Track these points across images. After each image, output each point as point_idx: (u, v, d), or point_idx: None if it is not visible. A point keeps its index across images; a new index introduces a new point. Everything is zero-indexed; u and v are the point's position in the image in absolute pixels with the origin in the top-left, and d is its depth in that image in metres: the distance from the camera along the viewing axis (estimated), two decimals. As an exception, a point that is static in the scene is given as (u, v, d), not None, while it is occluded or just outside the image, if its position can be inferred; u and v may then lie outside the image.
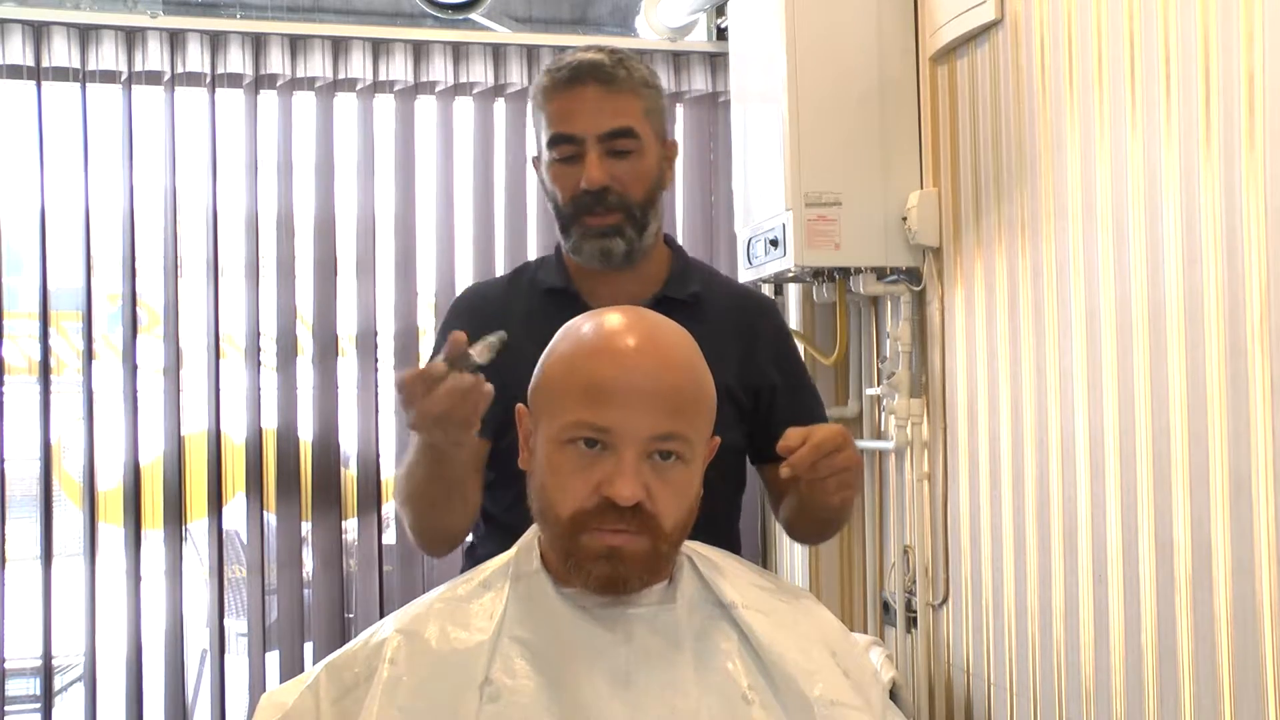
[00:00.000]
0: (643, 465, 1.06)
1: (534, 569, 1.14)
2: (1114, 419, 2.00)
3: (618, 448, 1.06)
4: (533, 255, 3.25)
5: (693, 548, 1.19)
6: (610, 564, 1.07)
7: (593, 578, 1.07)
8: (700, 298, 1.60)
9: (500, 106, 3.26)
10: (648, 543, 1.07)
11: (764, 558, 3.30)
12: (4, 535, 2.90)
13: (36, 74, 2.95)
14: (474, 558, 1.61)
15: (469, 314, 1.61)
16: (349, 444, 3.17)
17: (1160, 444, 1.89)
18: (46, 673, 2.98)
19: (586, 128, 1.52)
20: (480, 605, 1.13)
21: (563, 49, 3.21)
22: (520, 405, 1.17)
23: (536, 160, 1.63)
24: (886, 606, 2.86)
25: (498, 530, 1.57)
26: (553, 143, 1.54)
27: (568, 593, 1.11)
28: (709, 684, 1.09)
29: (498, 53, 3.20)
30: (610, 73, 1.54)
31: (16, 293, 3.17)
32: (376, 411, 3.14)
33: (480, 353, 1.19)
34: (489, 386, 1.21)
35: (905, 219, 2.58)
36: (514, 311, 1.57)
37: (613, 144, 1.53)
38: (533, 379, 1.15)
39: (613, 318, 1.12)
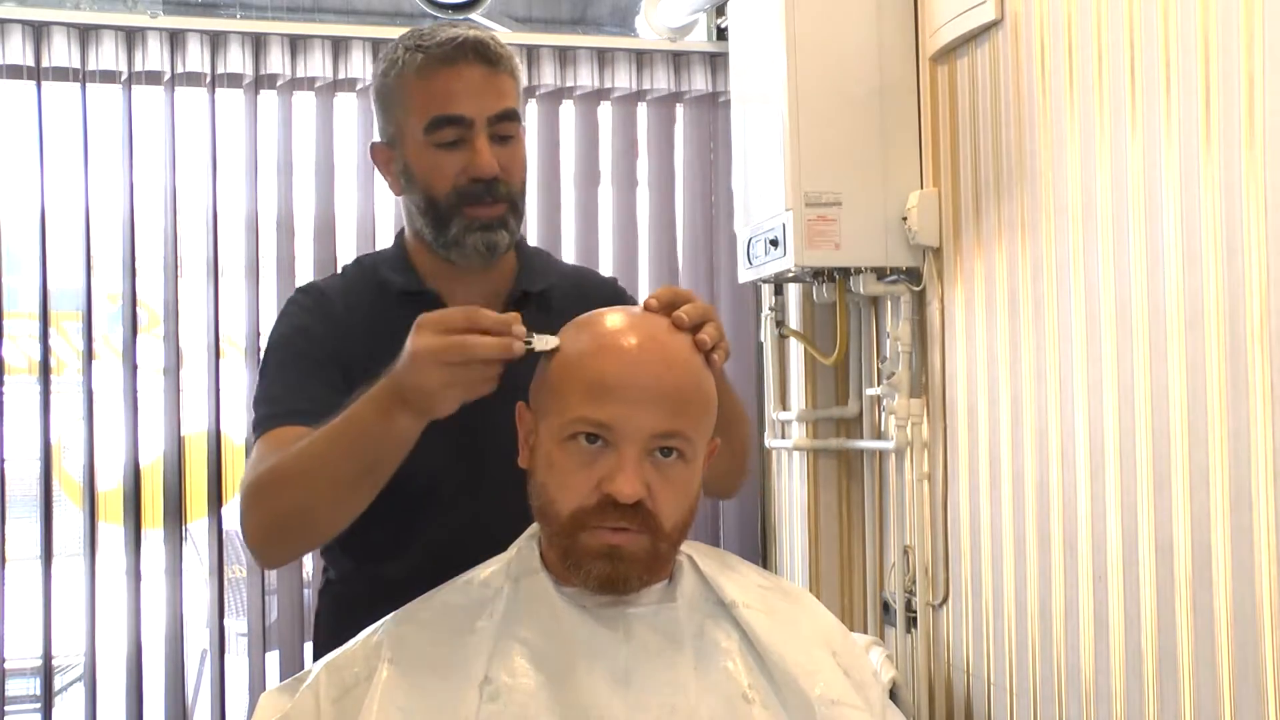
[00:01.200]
0: (644, 463, 1.06)
1: (534, 568, 1.14)
2: (1114, 419, 2.00)
3: (619, 445, 1.06)
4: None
5: (693, 547, 1.19)
6: (610, 563, 1.07)
7: (592, 576, 1.07)
8: (551, 288, 1.51)
9: (500, 106, 3.26)
10: (648, 541, 1.07)
11: (764, 558, 3.30)
12: (4, 535, 2.90)
13: (36, 74, 2.95)
14: (333, 594, 1.51)
15: (313, 312, 1.47)
16: (349, 444, 3.16)
17: (1160, 444, 1.89)
18: (46, 673, 2.98)
19: (476, 109, 1.38)
20: (479, 604, 1.13)
21: (562, 49, 3.25)
22: (521, 404, 1.17)
23: (382, 147, 1.47)
24: (886, 606, 2.86)
25: (369, 557, 1.42)
26: (434, 125, 1.39)
27: (568, 592, 1.11)
28: (709, 683, 1.09)
29: (498, 53, 3.20)
30: (495, 52, 1.41)
31: (16, 293, 3.17)
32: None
33: (541, 343, 1.13)
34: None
35: (905, 219, 2.58)
36: (362, 314, 1.45)
37: (499, 128, 1.40)
38: (534, 377, 1.16)
39: (614, 318, 1.13)
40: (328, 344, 1.42)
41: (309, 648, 3.08)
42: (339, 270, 1.66)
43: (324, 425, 1.23)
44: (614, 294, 1.60)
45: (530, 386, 1.16)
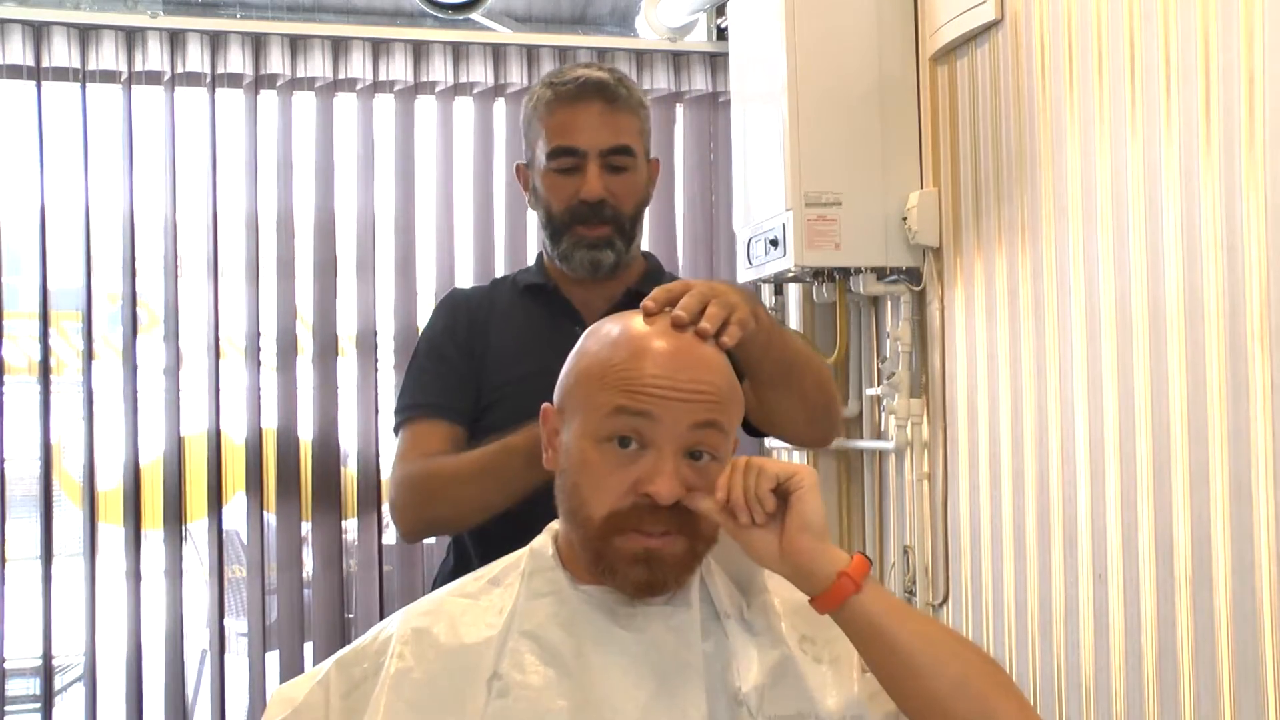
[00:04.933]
0: (680, 463, 1.06)
1: (548, 566, 1.13)
2: (1114, 419, 2.00)
3: (657, 445, 1.05)
4: (532, 253, 3.25)
5: None
6: (647, 568, 1.06)
7: (629, 581, 1.06)
8: None
9: (500, 106, 3.26)
10: (685, 543, 1.07)
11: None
12: (4, 535, 2.90)
13: (36, 74, 2.95)
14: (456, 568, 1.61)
15: (456, 312, 1.71)
16: (349, 444, 3.17)
17: (1160, 444, 1.89)
18: (46, 673, 2.98)
19: (589, 142, 1.59)
20: (490, 601, 1.13)
21: (562, 49, 3.26)
22: (546, 405, 1.16)
23: (523, 167, 1.70)
24: (886, 606, 2.85)
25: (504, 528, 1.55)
26: (554, 154, 1.60)
27: (583, 590, 1.11)
28: (716, 683, 1.08)
29: (498, 53, 3.21)
30: (614, 91, 1.60)
31: (16, 293, 3.18)
32: (376, 411, 3.14)
33: None
34: None
35: (905, 219, 2.58)
36: (496, 306, 1.70)
37: (611, 160, 1.60)
38: (562, 380, 1.15)
39: (641, 321, 1.12)
40: (460, 335, 1.67)
41: (309, 648, 3.12)
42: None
43: (478, 451, 1.49)
44: None
45: (557, 388, 1.16)
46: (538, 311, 1.67)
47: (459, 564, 1.66)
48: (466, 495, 1.50)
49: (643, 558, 1.06)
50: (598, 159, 1.59)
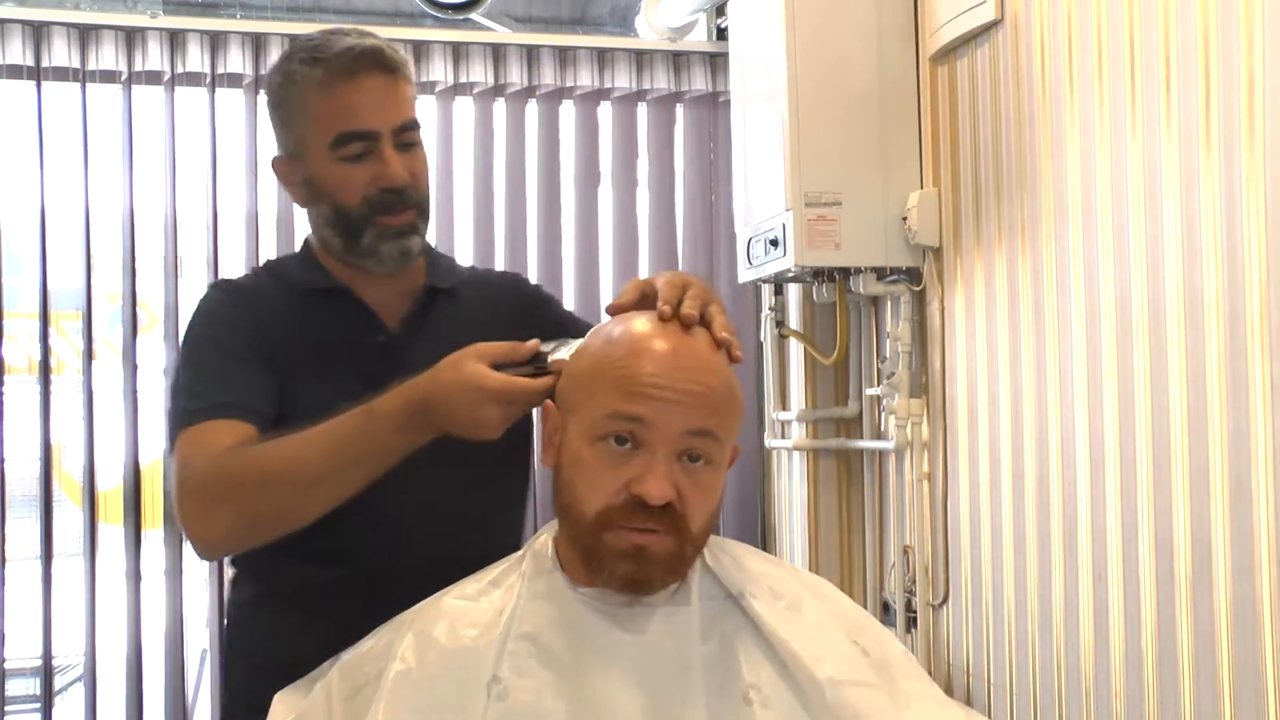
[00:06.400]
0: (673, 466, 1.07)
1: (548, 568, 1.14)
2: (1114, 419, 2.00)
3: (651, 446, 1.06)
4: (533, 252, 3.26)
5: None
6: (635, 563, 1.07)
7: (616, 576, 1.07)
8: (459, 285, 1.54)
9: (500, 106, 3.26)
10: (674, 543, 1.07)
11: (764, 558, 3.30)
12: (4, 535, 2.90)
13: (36, 74, 2.95)
14: (252, 603, 1.55)
15: (236, 304, 1.46)
16: (349, 444, 3.16)
17: (1160, 444, 1.89)
18: (46, 673, 2.98)
19: (381, 122, 1.39)
20: (490, 603, 1.13)
21: (562, 49, 3.26)
22: (548, 402, 1.17)
23: (283, 160, 1.47)
24: (886, 607, 2.86)
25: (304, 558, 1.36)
26: (341, 141, 1.39)
27: (583, 592, 1.11)
28: (716, 684, 1.09)
29: (497, 53, 3.21)
30: (391, 60, 1.41)
31: (16, 293, 3.17)
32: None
33: (564, 353, 1.20)
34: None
35: (905, 219, 2.58)
36: (278, 312, 1.45)
37: (403, 136, 1.42)
38: (564, 377, 1.16)
39: (644, 322, 1.13)
40: (250, 337, 1.40)
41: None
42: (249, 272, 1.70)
43: (327, 423, 1.24)
44: (516, 286, 1.65)
45: (558, 385, 1.16)
46: (334, 322, 1.45)
47: (253, 583, 1.53)
48: (313, 474, 1.24)
49: (631, 553, 1.06)
50: (391, 139, 1.40)
